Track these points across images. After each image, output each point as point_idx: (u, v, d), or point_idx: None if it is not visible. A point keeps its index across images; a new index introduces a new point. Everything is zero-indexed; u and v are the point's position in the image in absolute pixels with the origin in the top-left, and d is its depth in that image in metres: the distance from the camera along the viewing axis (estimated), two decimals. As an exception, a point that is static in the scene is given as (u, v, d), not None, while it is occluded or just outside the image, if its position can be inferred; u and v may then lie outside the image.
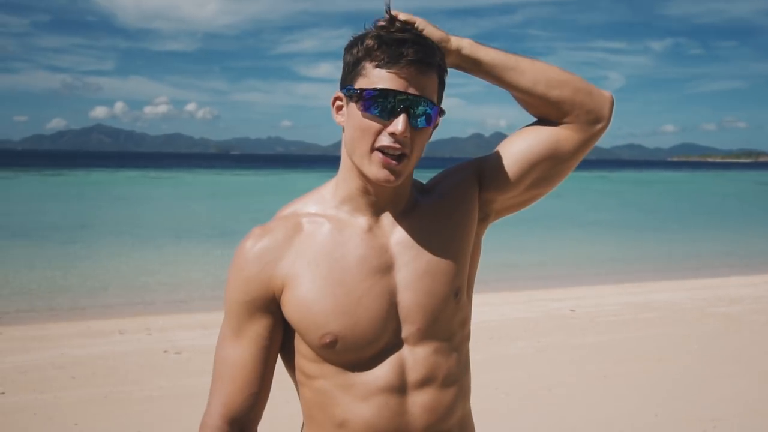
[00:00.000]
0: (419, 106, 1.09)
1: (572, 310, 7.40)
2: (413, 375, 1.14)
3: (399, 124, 1.07)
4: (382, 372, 1.12)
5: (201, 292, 8.91)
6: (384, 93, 1.07)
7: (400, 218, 1.19)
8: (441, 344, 1.16)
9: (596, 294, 8.57)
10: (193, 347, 5.74)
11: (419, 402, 1.14)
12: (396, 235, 1.17)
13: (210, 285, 9.40)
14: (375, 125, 1.09)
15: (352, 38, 1.14)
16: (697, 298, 8.19)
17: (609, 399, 4.50)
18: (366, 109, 1.09)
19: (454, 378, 1.18)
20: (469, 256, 1.23)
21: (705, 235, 16.76)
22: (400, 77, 1.08)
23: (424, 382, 1.14)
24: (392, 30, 1.10)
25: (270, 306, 1.15)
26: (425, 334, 1.15)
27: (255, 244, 1.16)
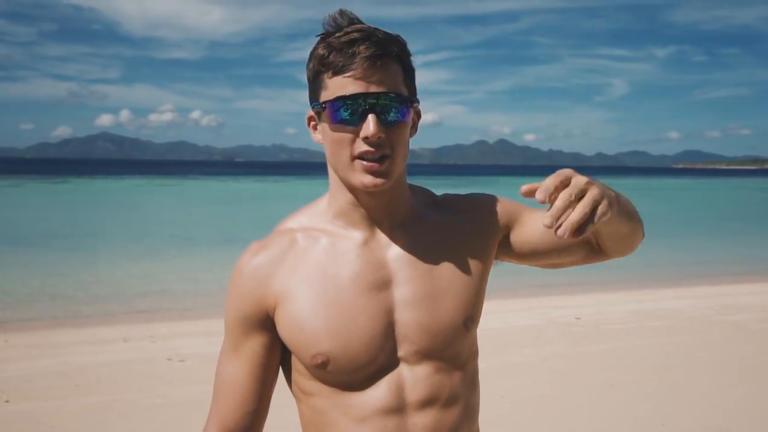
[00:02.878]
0: (385, 102, 1.02)
1: (577, 318, 7.36)
2: (413, 395, 1.09)
3: (370, 126, 1.01)
4: (379, 393, 1.08)
5: (205, 300, 8.90)
6: (345, 99, 1.02)
7: (399, 231, 1.13)
8: (444, 364, 1.11)
9: (601, 302, 8.53)
10: (197, 355, 5.73)
11: (421, 424, 1.09)
12: (394, 249, 1.12)
13: (214, 292, 9.40)
14: (347, 135, 1.04)
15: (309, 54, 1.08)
16: (703, 306, 8.14)
17: (615, 408, 4.46)
18: (334, 120, 1.04)
19: (458, 397, 1.13)
20: (485, 286, 1.18)
21: (711, 243, 16.68)
22: (357, 78, 1.02)
23: (426, 403, 1.09)
24: (338, 33, 1.04)
25: (265, 323, 1.12)
26: (426, 355, 1.10)
27: (251, 260, 1.13)
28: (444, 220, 1.17)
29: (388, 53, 1.04)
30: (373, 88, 1.02)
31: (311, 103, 1.10)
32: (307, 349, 1.07)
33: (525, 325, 7.06)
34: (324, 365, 1.07)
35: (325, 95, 1.05)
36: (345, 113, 1.03)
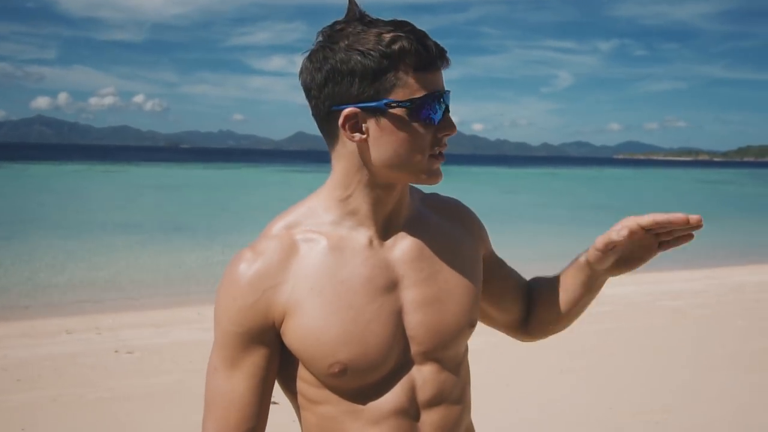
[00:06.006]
0: (449, 102, 1.06)
1: (527, 305, 7.54)
2: (423, 395, 1.10)
3: (453, 123, 1.05)
4: (393, 395, 1.08)
5: (152, 289, 8.69)
6: (436, 97, 1.02)
7: (403, 231, 1.13)
8: (447, 363, 1.14)
9: (549, 289, 8.75)
10: (145, 346, 5.58)
11: (429, 422, 1.10)
12: (399, 250, 1.11)
13: (161, 282, 9.19)
14: (430, 132, 1.03)
15: (347, 47, 0.99)
16: (644, 293, 8.47)
17: (564, 393, 4.59)
18: (421, 118, 1.01)
19: (459, 392, 1.16)
20: (480, 290, 1.21)
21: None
22: (439, 74, 1.04)
23: (435, 402, 1.11)
24: (403, 26, 1.02)
25: (267, 335, 1.06)
26: (432, 356, 1.11)
27: (248, 269, 1.05)
28: (442, 222, 1.18)
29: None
30: (445, 86, 1.05)
31: (376, 100, 1.01)
32: (323, 360, 1.04)
33: (476, 312, 7.17)
34: (341, 373, 1.04)
35: (408, 92, 1.00)
36: (438, 110, 1.02)
